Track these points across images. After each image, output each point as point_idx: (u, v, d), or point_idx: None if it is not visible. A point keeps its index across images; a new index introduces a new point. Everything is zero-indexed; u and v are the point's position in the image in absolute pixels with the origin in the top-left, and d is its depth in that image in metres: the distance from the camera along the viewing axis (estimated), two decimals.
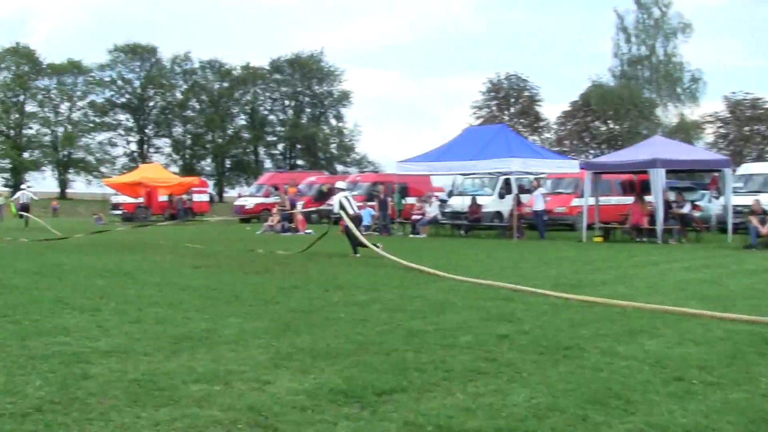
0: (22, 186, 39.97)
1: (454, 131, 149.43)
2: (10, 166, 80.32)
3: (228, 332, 6.89)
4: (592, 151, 66.82)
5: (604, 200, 26.18)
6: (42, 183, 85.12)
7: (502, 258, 16.26)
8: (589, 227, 23.48)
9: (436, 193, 32.78)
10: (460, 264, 14.44)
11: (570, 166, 27.05)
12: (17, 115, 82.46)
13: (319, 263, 14.48)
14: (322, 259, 15.36)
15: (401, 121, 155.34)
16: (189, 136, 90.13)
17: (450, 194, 33.19)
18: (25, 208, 34.59)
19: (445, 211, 28.91)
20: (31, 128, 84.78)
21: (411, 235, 26.88)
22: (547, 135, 72.87)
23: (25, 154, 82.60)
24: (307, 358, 5.86)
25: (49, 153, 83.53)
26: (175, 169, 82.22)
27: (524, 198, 26.65)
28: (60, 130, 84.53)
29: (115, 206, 47.03)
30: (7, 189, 74.76)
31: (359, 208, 29.80)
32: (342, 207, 16.98)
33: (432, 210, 27.62)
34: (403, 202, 29.54)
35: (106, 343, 6.35)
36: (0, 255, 15.64)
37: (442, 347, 6.33)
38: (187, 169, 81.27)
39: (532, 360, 5.89)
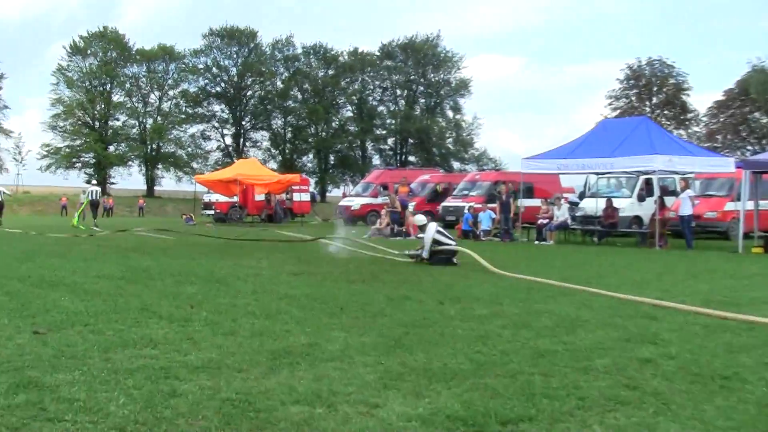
0: (93, 182, 41.43)
1: (587, 125, 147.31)
2: (94, 160, 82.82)
3: (331, 348, 6.89)
4: (750, 147, 64.41)
5: (765, 204, 25.11)
6: (128, 179, 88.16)
7: (643, 269, 15.79)
8: (747, 236, 22.55)
9: (566, 195, 32.23)
10: (593, 275, 14.13)
11: (723, 165, 26.12)
12: (103, 105, 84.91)
13: (433, 272, 14.41)
14: (436, 268, 15.28)
15: (527, 114, 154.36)
16: (290, 128, 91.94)
17: (582, 196, 32.62)
18: (94, 205, 35.80)
19: (576, 215, 28.44)
20: (117, 119, 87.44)
21: (536, 242, 26.53)
22: (696, 128, 70.81)
23: (111, 148, 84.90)
24: (421, 379, 5.78)
25: (137, 147, 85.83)
26: (273, 165, 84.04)
27: (668, 201, 25.88)
28: (149, 121, 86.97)
29: (207, 206, 48.31)
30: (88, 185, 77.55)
31: (477, 210, 29.93)
32: (440, 244, 16.39)
33: (561, 213, 27.18)
34: (519, 204, 29.08)
35: (197, 357, 6.42)
36: (83, 258, 16.23)
37: (574, 371, 6.15)
38: (287, 166, 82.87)
39: (681, 390, 5.63)
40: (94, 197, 35.77)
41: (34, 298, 9.70)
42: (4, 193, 33.92)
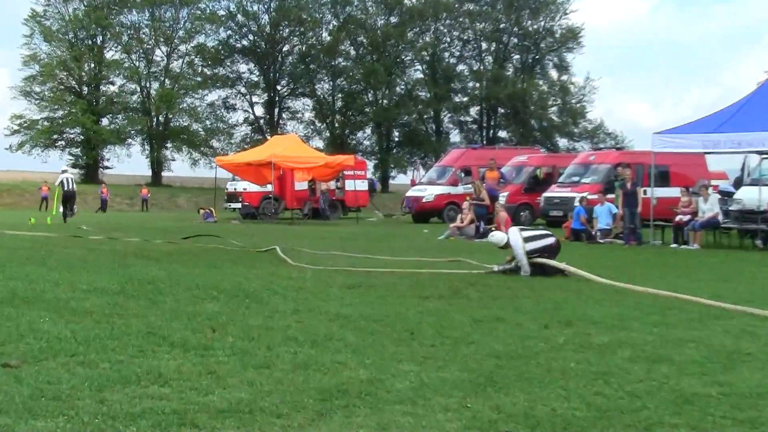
0: (64, 167, 41.75)
1: (745, 86, 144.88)
2: (82, 137, 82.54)
3: (400, 385, 6.88)
4: None
5: None
6: (127, 163, 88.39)
7: None
8: None
9: (715, 182, 31.75)
10: (758, 292, 13.94)
11: None
12: (93, 65, 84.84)
13: (534, 284, 14.35)
14: (538, 279, 15.19)
15: (659, 73, 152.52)
16: (340, 95, 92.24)
17: (738, 183, 32.09)
18: (69, 197, 36.30)
19: (730, 209, 27.97)
20: (112, 83, 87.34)
21: (674, 245, 26.22)
22: None
23: (104, 121, 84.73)
24: (522, 429, 5.74)
25: (138, 119, 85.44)
26: (319, 143, 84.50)
27: None
28: (154, 86, 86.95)
29: (232, 197, 48.75)
30: (76, 171, 77.35)
31: (591, 203, 29.67)
32: (536, 252, 16.20)
33: (708, 207, 26.79)
34: (650, 194, 28.71)
35: (221, 397, 6.44)
36: (68, 265, 16.38)
37: (735, 423, 6.04)
38: (337, 144, 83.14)
39: None
40: (68, 187, 36.26)
41: (2, 319, 9.77)
42: None
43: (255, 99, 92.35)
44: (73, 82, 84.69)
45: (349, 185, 47.78)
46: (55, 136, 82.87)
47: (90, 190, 67.56)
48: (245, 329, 9.30)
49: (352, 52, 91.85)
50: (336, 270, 16.29)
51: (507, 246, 16.39)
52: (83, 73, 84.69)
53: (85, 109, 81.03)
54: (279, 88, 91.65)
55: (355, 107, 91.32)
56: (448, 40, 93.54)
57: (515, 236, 16.21)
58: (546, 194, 37.96)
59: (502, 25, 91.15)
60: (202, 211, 45.92)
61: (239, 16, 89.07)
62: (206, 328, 9.35)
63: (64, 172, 38.02)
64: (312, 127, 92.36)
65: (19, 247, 21.56)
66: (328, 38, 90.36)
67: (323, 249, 21.90)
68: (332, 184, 47.15)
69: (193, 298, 11.72)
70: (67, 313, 10.29)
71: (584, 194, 32.11)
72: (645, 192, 28.39)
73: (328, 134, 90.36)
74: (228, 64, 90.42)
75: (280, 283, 13.73)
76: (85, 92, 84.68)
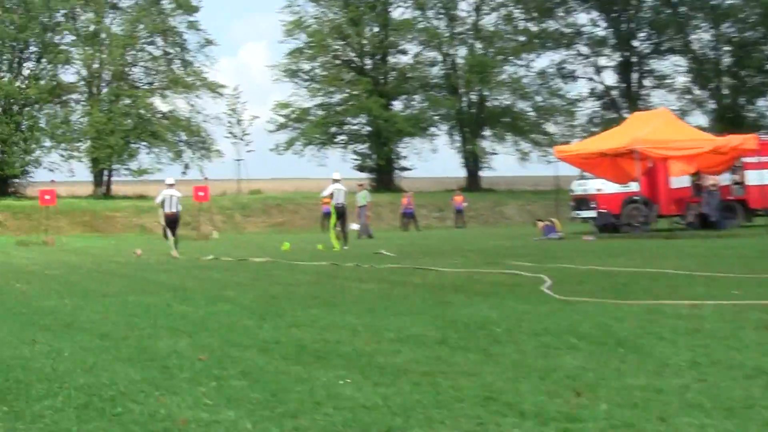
0: (336, 175, 42.42)
1: None
2: (369, 128, 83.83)
3: None
4: None
5: None
6: (430, 161, 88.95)
7: None
8: None
9: None
10: None
11: None
12: (377, 29, 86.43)
13: None
14: None
15: None
16: (727, 49, 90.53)
17: None
18: (338, 213, 37.59)
19: None
20: (403, 52, 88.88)
21: None
22: None
23: (396, 105, 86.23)
24: None
25: (442, 100, 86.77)
26: (700, 119, 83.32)
27: None
28: (460, 52, 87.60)
29: (582, 202, 48.52)
30: (366, 177, 78.50)
31: None
32: None
33: None
34: None
35: None
36: (368, 305, 16.80)
37: None
38: (728, 119, 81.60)
39: None
40: (338, 201, 37.55)
41: (290, 381, 10.03)
42: (177, 198, 36.99)
43: (603, 62, 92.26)
44: (352, 54, 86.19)
45: (753, 178, 46.71)
46: (333, 129, 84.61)
47: (385, 200, 69.11)
48: (623, 392, 9.09)
49: None
50: (747, 303, 15.90)
51: None
52: (364, 41, 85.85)
53: (370, 89, 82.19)
54: (636, 44, 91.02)
55: (752, 64, 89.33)
56: None
57: None
58: None
59: None
60: (541, 224, 45.95)
61: None
62: (568, 390, 9.22)
63: (335, 181, 39.07)
64: (689, 96, 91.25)
65: (296, 282, 22.23)
66: None
67: (719, 271, 21.53)
68: (726, 178, 46.27)
69: (542, 348, 11.66)
70: (374, 371, 10.46)
71: None
72: None
73: (713, 105, 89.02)
74: (561, 14, 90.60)
75: (665, 324, 13.46)
76: (368, 66, 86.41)
